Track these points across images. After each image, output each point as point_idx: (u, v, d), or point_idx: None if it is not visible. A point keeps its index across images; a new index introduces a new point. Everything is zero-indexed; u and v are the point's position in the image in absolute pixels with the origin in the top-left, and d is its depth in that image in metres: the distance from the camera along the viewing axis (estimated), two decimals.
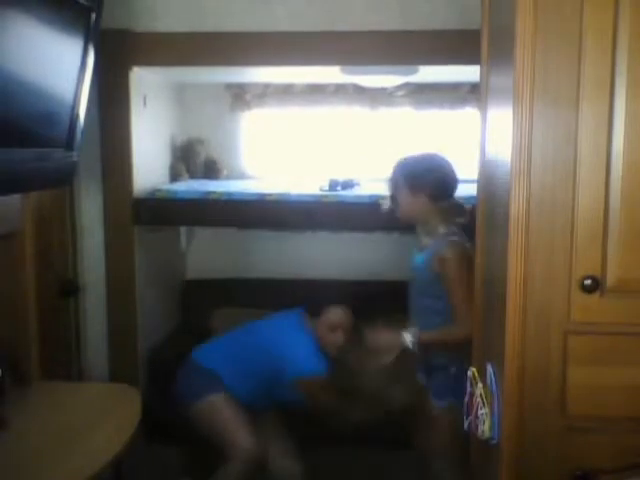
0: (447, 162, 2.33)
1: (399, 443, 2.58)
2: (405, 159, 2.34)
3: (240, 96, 3.78)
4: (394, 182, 2.30)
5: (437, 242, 2.22)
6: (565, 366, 1.31)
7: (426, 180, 2.24)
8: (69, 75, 2.11)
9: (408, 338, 2.17)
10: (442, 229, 2.24)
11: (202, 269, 3.82)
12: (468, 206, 2.28)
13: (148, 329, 3.22)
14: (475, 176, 1.75)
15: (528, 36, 1.22)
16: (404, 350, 2.19)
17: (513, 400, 1.32)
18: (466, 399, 1.59)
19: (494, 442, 1.42)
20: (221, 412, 2.53)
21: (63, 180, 2.32)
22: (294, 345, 2.63)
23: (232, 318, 3.59)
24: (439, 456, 2.29)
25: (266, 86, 3.76)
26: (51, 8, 1.93)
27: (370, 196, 3.07)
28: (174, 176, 3.59)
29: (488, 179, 1.62)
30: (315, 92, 3.80)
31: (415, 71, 3.04)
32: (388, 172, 2.36)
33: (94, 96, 2.60)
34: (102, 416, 1.98)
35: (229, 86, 3.78)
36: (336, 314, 2.73)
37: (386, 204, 2.37)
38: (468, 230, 2.11)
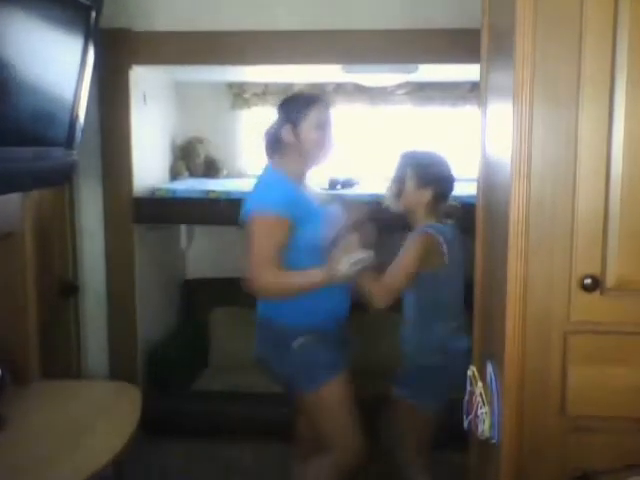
0: (449, 163, 2.35)
1: None
2: (414, 152, 2.35)
3: (240, 95, 3.78)
4: (401, 173, 2.30)
5: (412, 234, 2.27)
6: (565, 365, 1.31)
7: (435, 176, 2.27)
8: (69, 74, 2.11)
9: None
10: (423, 222, 2.27)
11: (202, 268, 3.82)
12: (457, 204, 2.35)
13: (148, 329, 3.22)
14: (475, 175, 1.75)
15: (528, 36, 1.22)
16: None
17: (513, 400, 1.32)
18: (466, 398, 1.59)
19: (494, 442, 1.42)
20: (335, 401, 2.16)
21: (63, 179, 2.33)
22: None
23: (232, 317, 3.60)
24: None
25: (266, 85, 3.76)
26: (51, 7, 1.93)
27: (370, 195, 3.07)
28: (174, 175, 3.59)
29: (488, 178, 1.62)
30: (315, 91, 3.80)
31: (415, 69, 3.04)
32: (393, 164, 2.34)
33: (94, 95, 2.59)
34: (102, 415, 1.98)
35: (229, 85, 3.78)
36: None
37: (389, 200, 2.33)
38: (466, 228, 2.12)
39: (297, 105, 2.18)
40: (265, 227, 2.08)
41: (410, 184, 2.27)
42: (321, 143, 2.17)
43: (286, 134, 2.15)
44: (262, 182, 2.22)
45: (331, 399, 2.16)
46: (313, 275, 2.07)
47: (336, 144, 2.23)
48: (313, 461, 2.24)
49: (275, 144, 2.22)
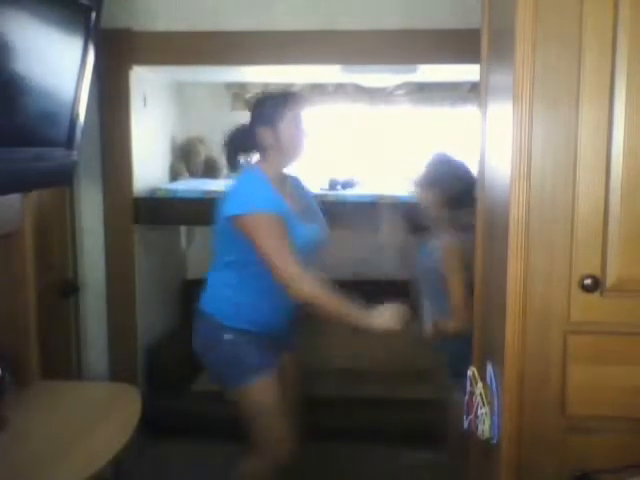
0: (468, 169, 2.31)
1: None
2: (436, 153, 2.34)
3: (240, 95, 3.78)
4: (433, 177, 2.28)
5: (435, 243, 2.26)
6: (565, 366, 1.31)
7: (438, 177, 2.27)
8: (69, 74, 2.11)
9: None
10: (440, 227, 2.26)
11: (202, 269, 3.79)
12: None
13: (148, 329, 3.22)
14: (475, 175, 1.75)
15: (528, 36, 1.22)
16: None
17: (513, 400, 1.32)
18: (466, 398, 1.59)
19: (494, 442, 1.42)
20: (258, 402, 2.17)
21: (63, 179, 2.32)
22: None
23: None
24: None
25: (266, 85, 3.76)
26: (51, 7, 1.93)
27: (370, 195, 3.08)
28: (174, 175, 3.59)
29: (488, 179, 1.62)
30: (315, 91, 3.80)
31: (414, 70, 3.04)
32: (420, 166, 2.32)
33: (94, 95, 2.60)
34: (102, 416, 1.98)
35: (229, 85, 3.78)
36: None
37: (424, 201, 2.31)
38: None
39: (274, 105, 2.16)
40: (268, 226, 2.04)
41: (420, 183, 2.28)
42: (300, 141, 2.17)
43: (265, 136, 2.14)
44: (244, 182, 2.19)
45: (255, 399, 2.16)
46: (349, 312, 2.03)
47: (310, 139, 2.20)
48: (244, 460, 2.24)
49: (250, 146, 2.21)
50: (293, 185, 2.30)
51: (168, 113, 3.57)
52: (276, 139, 2.14)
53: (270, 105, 2.17)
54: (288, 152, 2.17)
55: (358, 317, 2.04)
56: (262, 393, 2.16)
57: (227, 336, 2.15)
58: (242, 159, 2.26)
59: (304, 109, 2.20)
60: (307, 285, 2.01)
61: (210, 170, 3.71)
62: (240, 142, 2.23)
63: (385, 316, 2.03)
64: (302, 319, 2.30)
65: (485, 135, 1.64)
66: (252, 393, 2.16)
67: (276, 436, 2.17)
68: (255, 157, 2.23)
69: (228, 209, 2.09)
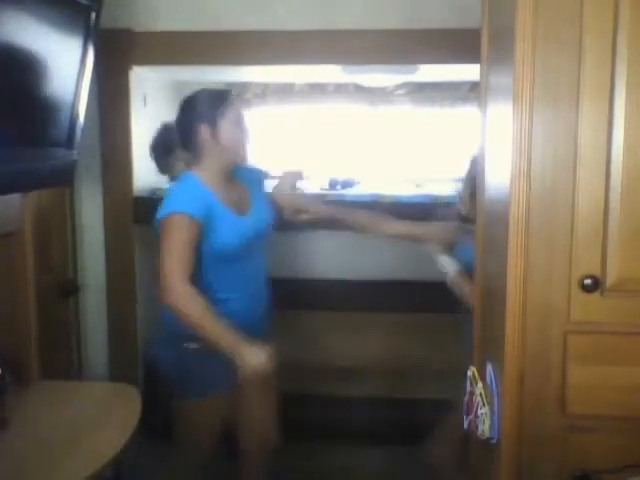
0: None
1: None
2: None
3: (240, 95, 3.78)
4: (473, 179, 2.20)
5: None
6: (565, 366, 1.31)
7: None
8: (69, 74, 2.11)
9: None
10: None
11: None
12: None
13: (148, 329, 3.21)
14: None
15: (528, 36, 1.22)
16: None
17: (513, 400, 1.32)
18: (466, 398, 1.59)
19: (494, 442, 1.42)
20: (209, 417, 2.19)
21: (63, 179, 2.32)
22: None
23: None
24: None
25: (266, 85, 3.76)
26: (51, 7, 1.93)
27: (371, 195, 3.08)
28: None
29: (488, 178, 1.62)
30: (315, 91, 3.80)
31: (415, 70, 3.04)
32: (463, 164, 2.24)
33: (94, 95, 2.59)
34: (102, 416, 1.98)
35: (229, 85, 3.78)
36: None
37: (460, 202, 2.22)
38: None
39: (212, 102, 2.07)
40: (178, 228, 1.95)
41: (468, 182, 2.17)
42: (242, 141, 2.09)
43: (202, 133, 2.05)
44: (174, 187, 2.12)
45: (200, 415, 2.16)
46: (223, 334, 1.93)
47: (253, 142, 2.13)
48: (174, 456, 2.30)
49: (182, 146, 2.12)
50: (241, 179, 2.19)
51: (168, 113, 3.55)
52: (214, 137, 2.04)
53: (207, 101, 2.07)
54: (228, 152, 2.08)
55: (229, 347, 1.93)
56: (210, 410, 2.14)
57: (187, 345, 2.06)
58: (176, 162, 2.18)
59: (243, 109, 2.12)
60: (183, 297, 1.92)
61: None
62: (169, 143, 2.15)
63: (255, 358, 1.92)
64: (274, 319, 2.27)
65: (485, 135, 1.64)
66: (201, 408, 2.14)
67: (205, 443, 2.22)
68: (188, 158, 2.14)
69: (156, 215, 2.03)
